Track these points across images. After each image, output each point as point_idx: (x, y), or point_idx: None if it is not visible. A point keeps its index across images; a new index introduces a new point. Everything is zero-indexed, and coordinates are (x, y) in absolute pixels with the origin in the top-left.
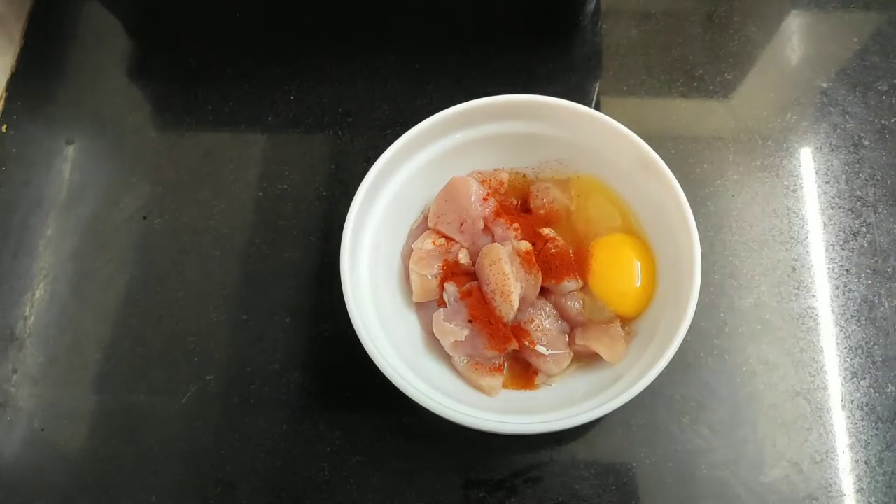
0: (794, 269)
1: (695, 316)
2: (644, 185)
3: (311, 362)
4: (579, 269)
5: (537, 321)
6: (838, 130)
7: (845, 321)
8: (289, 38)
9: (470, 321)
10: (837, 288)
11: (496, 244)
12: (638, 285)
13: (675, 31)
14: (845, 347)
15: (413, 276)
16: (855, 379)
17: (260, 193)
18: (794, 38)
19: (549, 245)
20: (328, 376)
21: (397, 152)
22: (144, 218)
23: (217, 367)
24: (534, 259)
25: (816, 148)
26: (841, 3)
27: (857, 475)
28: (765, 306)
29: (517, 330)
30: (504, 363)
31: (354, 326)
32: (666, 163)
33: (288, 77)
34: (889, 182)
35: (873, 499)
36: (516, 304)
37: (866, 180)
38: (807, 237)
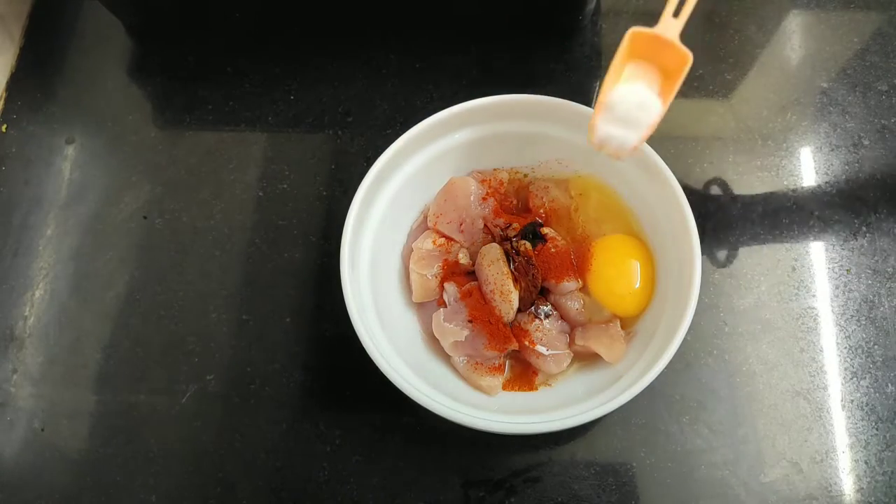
0: (794, 269)
1: (695, 316)
2: (644, 185)
3: (311, 362)
4: (579, 269)
5: (537, 321)
6: (838, 130)
7: (845, 321)
8: (289, 37)
9: (470, 321)
10: (837, 288)
11: (495, 244)
12: (637, 287)
13: None
14: (845, 347)
15: (413, 276)
16: (855, 379)
17: (260, 193)
18: (794, 38)
19: (549, 245)
20: (328, 376)
21: (397, 152)
22: (144, 218)
23: (217, 367)
24: (534, 259)
25: (816, 148)
26: (841, 3)
27: (857, 475)
28: (765, 306)
29: (517, 330)
30: (504, 363)
31: (354, 326)
32: (666, 163)
33: (288, 77)
34: (889, 182)
35: (873, 499)
36: (516, 304)
37: (866, 180)
38: (807, 237)
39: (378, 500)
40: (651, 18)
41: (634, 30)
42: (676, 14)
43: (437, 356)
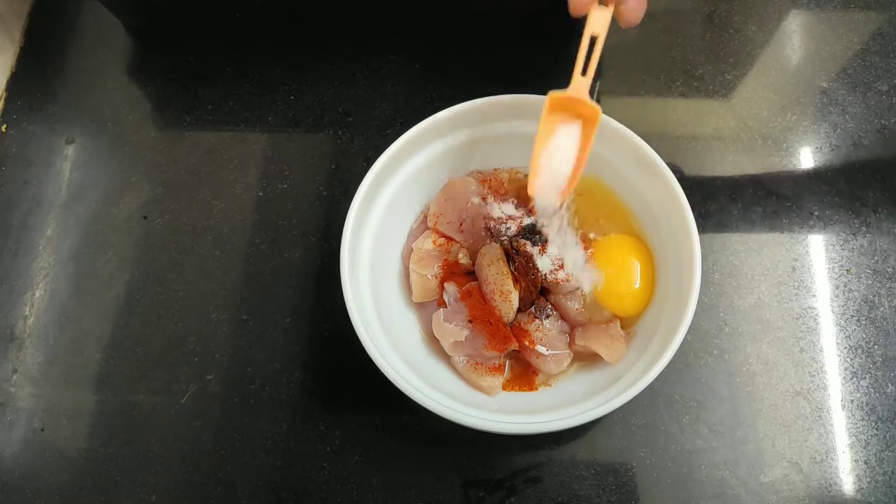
0: (794, 269)
1: (695, 316)
2: (644, 185)
3: (311, 362)
4: None
5: (537, 321)
6: (838, 130)
7: (845, 321)
8: (289, 37)
9: (470, 321)
10: (837, 288)
11: (494, 244)
12: (637, 287)
13: (674, 30)
14: (845, 347)
15: (413, 276)
16: (855, 379)
17: (260, 193)
18: (794, 38)
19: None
20: (328, 376)
21: (397, 152)
22: (144, 218)
23: (217, 367)
24: (534, 258)
25: (816, 148)
26: (841, 3)
27: (857, 475)
28: (765, 306)
29: (517, 330)
30: (504, 363)
31: (354, 326)
32: (666, 163)
33: (288, 77)
34: (889, 182)
35: (873, 499)
36: (516, 304)
37: (866, 180)
38: (807, 237)
39: (378, 500)
40: (651, 19)
41: (552, 93)
42: (584, 73)
43: (437, 356)
